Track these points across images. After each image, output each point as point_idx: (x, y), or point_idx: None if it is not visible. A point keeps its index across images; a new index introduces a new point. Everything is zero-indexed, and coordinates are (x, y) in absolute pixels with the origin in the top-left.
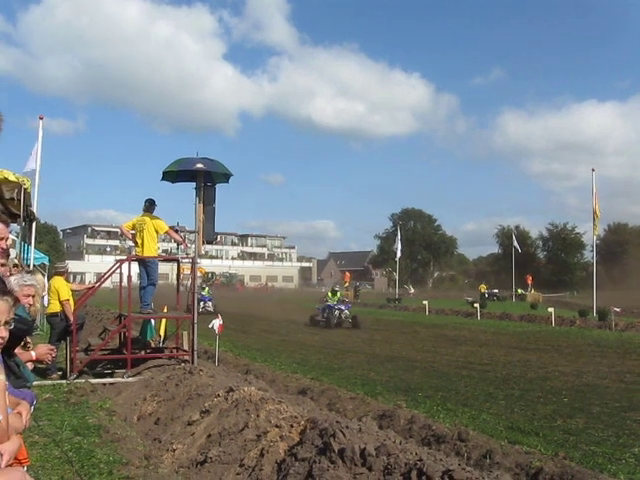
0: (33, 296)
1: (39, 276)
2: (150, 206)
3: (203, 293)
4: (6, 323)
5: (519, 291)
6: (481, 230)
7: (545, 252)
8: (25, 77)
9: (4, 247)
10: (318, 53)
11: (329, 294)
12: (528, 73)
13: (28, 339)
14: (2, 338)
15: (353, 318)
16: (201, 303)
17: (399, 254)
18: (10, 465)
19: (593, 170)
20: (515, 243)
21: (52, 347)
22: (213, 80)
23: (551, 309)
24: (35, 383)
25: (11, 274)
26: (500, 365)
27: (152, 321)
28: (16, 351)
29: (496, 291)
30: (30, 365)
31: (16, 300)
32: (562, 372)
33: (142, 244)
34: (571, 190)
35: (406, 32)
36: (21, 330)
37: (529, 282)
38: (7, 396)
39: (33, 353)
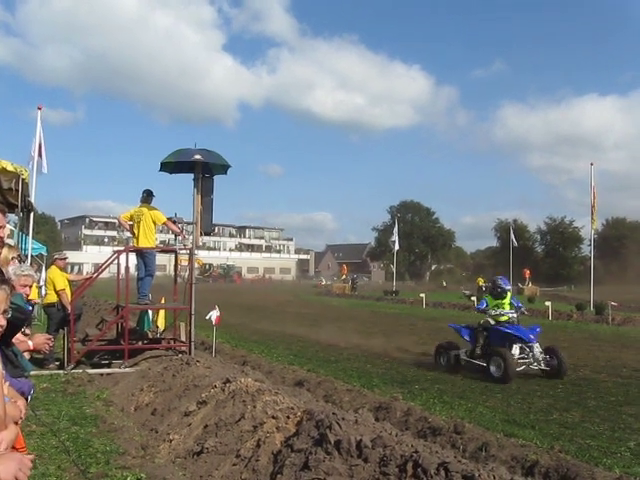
0: (30, 286)
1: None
2: (148, 197)
3: None
4: (4, 312)
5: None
6: (479, 223)
7: (543, 246)
8: (24, 67)
9: (2, 236)
10: (318, 45)
11: (488, 298)
12: (529, 66)
13: (27, 329)
14: (2, 327)
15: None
16: None
17: (397, 247)
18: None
19: (592, 164)
20: (512, 237)
21: (49, 337)
22: (213, 71)
23: (548, 303)
24: (33, 373)
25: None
26: None
27: (149, 312)
28: (14, 340)
29: None
30: (27, 355)
31: (13, 289)
32: None
33: (139, 235)
34: (570, 184)
35: (406, 24)
36: (19, 319)
37: (527, 276)
38: (5, 386)
39: (30, 343)
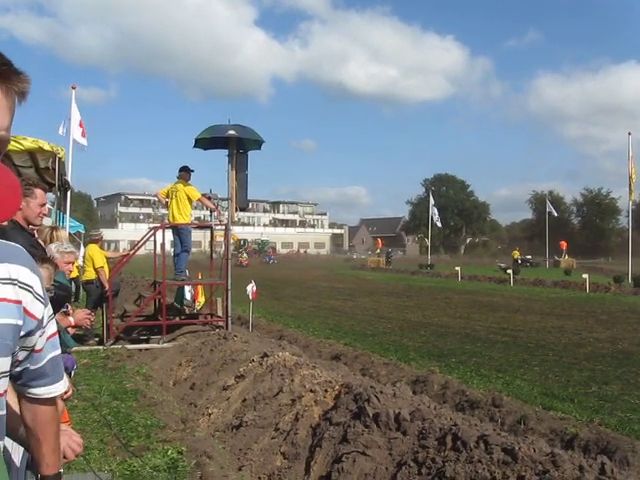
0: (73, 263)
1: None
2: (185, 173)
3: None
4: (47, 290)
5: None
6: (514, 196)
7: (579, 218)
8: (58, 46)
9: (45, 213)
10: (350, 17)
11: None
12: (564, 35)
13: (69, 306)
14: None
15: None
16: None
17: (436, 220)
18: None
19: (629, 134)
20: (551, 207)
21: (90, 312)
22: (245, 46)
23: (585, 275)
24: (74, 349)
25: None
26: (534, 331)
27: (186, 287)
28: (56, 317)
29: (529, 257)
30: (71, 330)
31: (56, 267)
32: (597, 338)
33: (174, 211)
34: (607, 154)
35: None
36: (61, 297)
37: (563, 248)
38: None
39: (72, 319)
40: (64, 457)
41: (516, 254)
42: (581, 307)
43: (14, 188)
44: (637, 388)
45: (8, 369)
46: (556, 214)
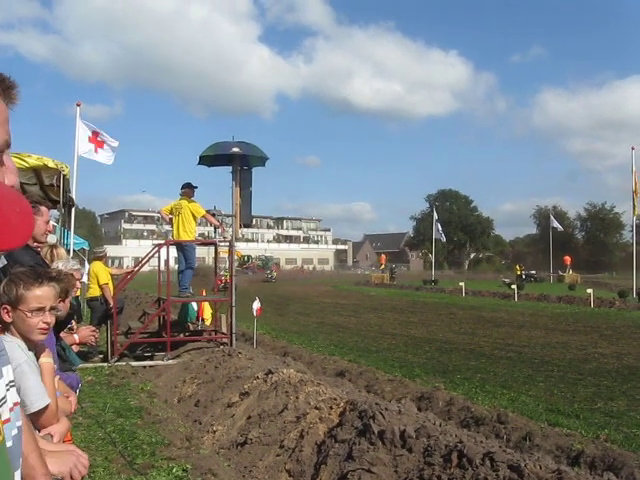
0: (78, 280)
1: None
2: (187, 190)
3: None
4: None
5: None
6: (519, 211)
7: (583, 233)
8: (62, 63)
9: (50, 230)
10: (354, 33)
11: None
12: (568, 50)
13: (73, 323)
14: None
15: None
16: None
17: (439, 236)
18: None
19: (633, 148)
20: (555, 223)
21: (94, 329)
22: (249, 62)
23: (590, 290)
24: (78, 366)
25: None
26: (539, 347)
27: (191, 304)
28: (61, 335)
29: (534, 272)
30: (75, 348)
31: (65, 285)
32: (602, 354)
33: (179, 228)
34: (611, 169)
35: (442, 9)
36: (67, 315)
37: (567, 263)
38: (56, 380)
39: (76, 336)
40: (70, 478)
41: (518, 270)
42: (586, 322)
43: (27, 215)
44: None
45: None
46: (562, 229)
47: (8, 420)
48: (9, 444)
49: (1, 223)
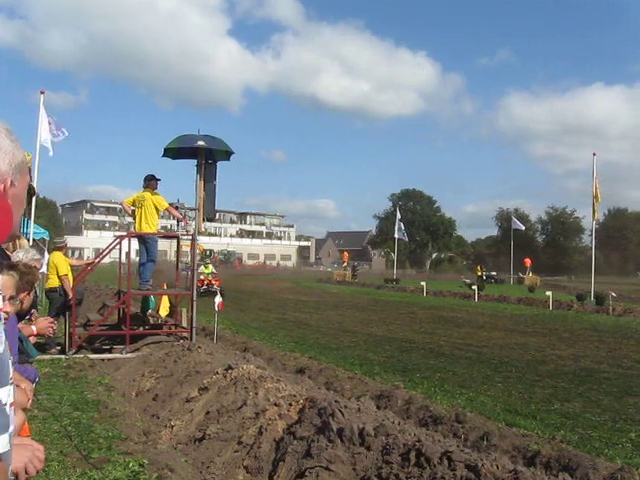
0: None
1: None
2: (150, 182)
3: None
4: (11, 298)
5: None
6: (481, 212)
7: (544, 236)
8: (27, 50)
9: None
10: (323, 29)
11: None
12: (535, 55)
13: (33, 313)
14: (7, 313)
15: None
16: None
17: (401, 235)
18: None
19: (594, 154)
20: (517, 223)
21: (53, 320)
22: (217, 56)
23: (549, 293)
24: (36, 358)
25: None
26: (498, 347)
27: (151, 297)
28: (18, 325)
29: (494, 273)
30: (33, 339)
31: (23, 275)
32: (559, 356)
33: (141, 220)
34: (573, 174)
35: (412, 10)
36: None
37: (527, 265)
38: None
39: (34, 327)
40: (25, 472)
41: (478, 271)
42: (544, 324)
43: (6, 212)
44: (598, 406)
45: None
46: (523, 228)
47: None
48: None
49: None
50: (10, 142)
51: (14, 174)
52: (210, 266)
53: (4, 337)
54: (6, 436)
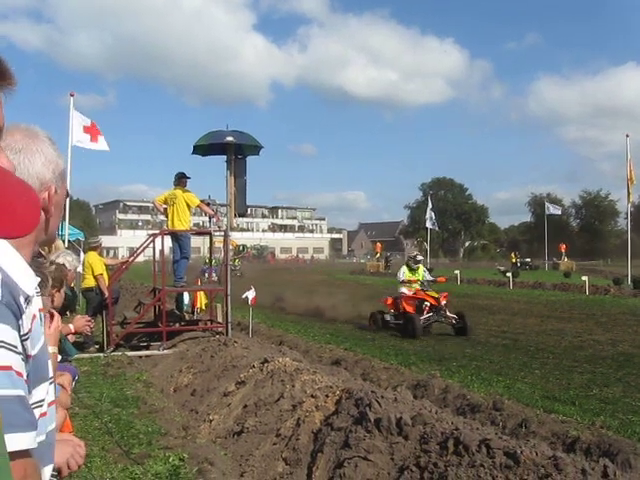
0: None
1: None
2: (181, 179)
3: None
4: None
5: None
6: (513, 198)
7: (578, 220)
8: (55, 53)
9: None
10: (349, 21)
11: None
12: (563, 37)
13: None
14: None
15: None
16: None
17: (432, 225)
18: None
19: (627, 136)
20: (552, 209)
21: (89, 318)
22: (243, 51)
23: (585, 277)
24: (74, 356)
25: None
26: (534, 334)
27: (185, 294)
28: None
29: (529, 260)
30: (71, 338)
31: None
32: (597, 341)
33: (173, 218)
34: (606, 157)
35: None
36: (62, 305)
37: (562, 250)
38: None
39: (71, 326)
40: (67, 467)
41: (513, 257)
42: (581, 309)
43: (35, 204)
44: (638, 390)
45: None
46: (559, 212)
47: (45, 414)
48: (41, 438)
49: (6, 212)
50: (53, 151)
51: (57, 182)
52: (236, 260)
53: (44, 337)
54: (31, 434)
